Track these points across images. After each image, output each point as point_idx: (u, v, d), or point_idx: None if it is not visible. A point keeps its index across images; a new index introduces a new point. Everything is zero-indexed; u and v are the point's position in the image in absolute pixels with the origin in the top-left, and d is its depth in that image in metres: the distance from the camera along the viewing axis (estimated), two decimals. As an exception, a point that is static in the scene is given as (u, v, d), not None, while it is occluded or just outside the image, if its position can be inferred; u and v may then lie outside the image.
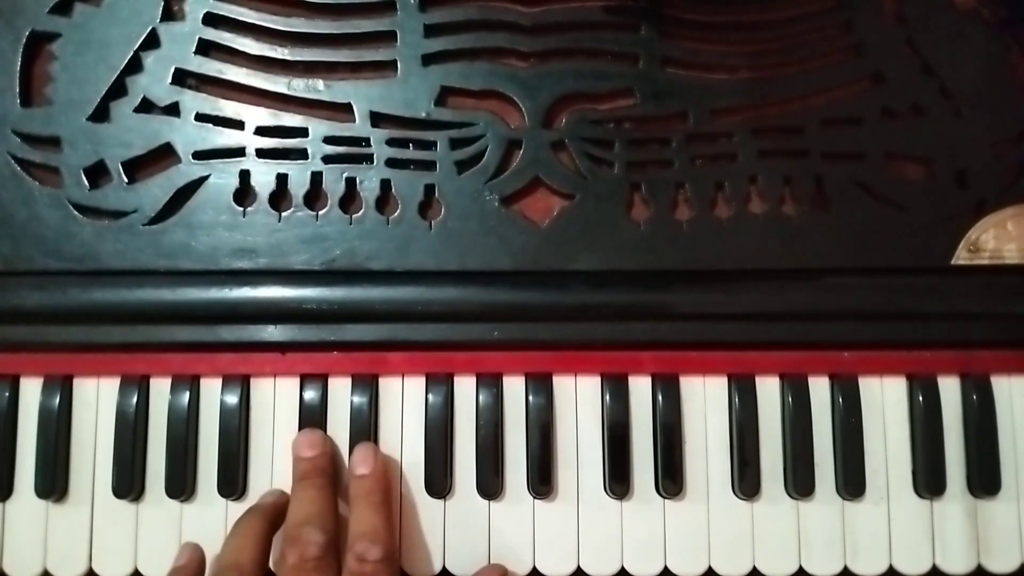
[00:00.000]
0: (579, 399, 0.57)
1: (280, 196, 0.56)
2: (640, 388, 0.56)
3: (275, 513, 0.53)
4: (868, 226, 0.56)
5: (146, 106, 0.56)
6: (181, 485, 0.55)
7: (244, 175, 0.56)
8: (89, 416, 0.56)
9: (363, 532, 0.50)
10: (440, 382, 0.56)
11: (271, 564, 0.51)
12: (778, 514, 0.56)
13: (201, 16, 0.57)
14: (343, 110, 0.57)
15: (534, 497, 0.56)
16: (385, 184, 0.56)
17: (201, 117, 0.56)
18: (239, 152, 0.56)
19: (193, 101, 0.56)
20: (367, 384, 0.56)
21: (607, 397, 0.56)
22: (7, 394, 0.56)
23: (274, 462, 0.56)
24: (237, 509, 0.55)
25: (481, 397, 0.56)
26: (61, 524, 0.55)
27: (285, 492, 0.55)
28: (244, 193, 0.56)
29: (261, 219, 0.56)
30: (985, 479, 0.56)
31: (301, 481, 0.53)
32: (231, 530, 0.52)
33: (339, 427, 0.56)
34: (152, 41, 0.56)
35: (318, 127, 0.56)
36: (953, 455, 0.56)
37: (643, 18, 0.57)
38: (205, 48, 0.57)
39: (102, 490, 0.55)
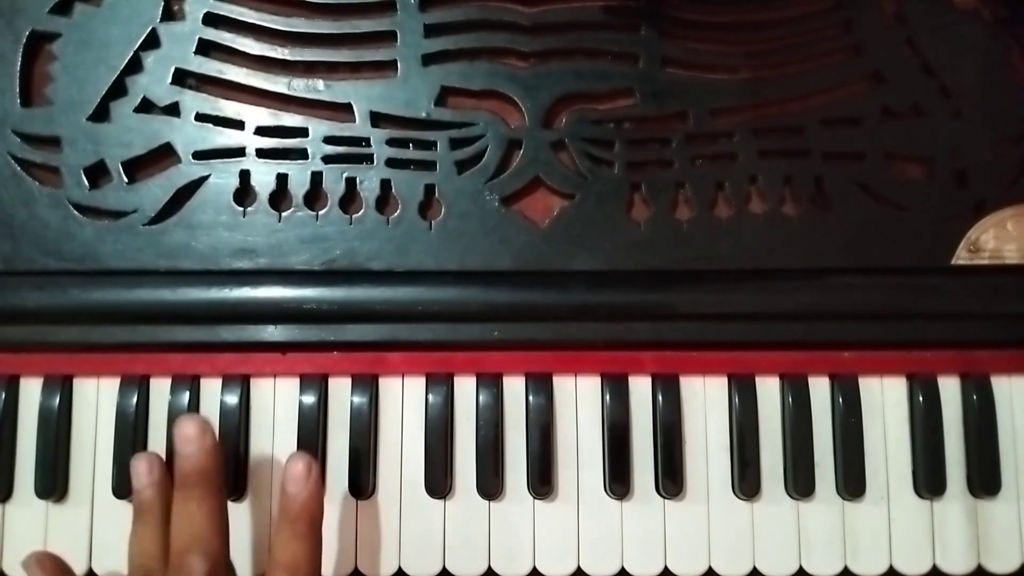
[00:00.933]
0: (579, 399, 0.57)
1: (280, 196, 0.56)
2: (640, 388, 0.56)
3: (166, 506, 0.50)
4: (868, 226, 0.56)
5: (146, 106, 0.56)
6: (181, 485, 0.55)
7: (244, 175, 0.56)
8: (89, 416, 0.56)
9: (283, 564, 0.48)
10: (440, 382, 0.56)
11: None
12: (778, 514, 0.56)
13: (201, 16, 0.57)
14: (343, 110, 0.57)
15: (534, 497, 0.56)
16: (385, 184, 0.56)
17: (201, 117, 0.56)
18: (239, 152, 0.56)
19: (193, 101, 0.56)
20: (367, 384, 0.56)
21: (607, 397, 0.56)
22: (7, 394, 0.56)
23: (274, 462, 0.56)
24: (237, 509, 0.55)
25: (481, 397, 0.56)
26: (61, 524, 0.55)
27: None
28: (244, 193, 0.56)
29: (261, 219, 0.56)
30: (985, 479, 0.56)
31: (179, 490, 0.49)
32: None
33: (339, 427, 0.56)
34: (152, 41, 0.56)
35: (318, 127, 0.56)
36: (953, 455, 0.57)
37: (643, 18, 0.57)
38: (205, 48, 0.57)
39: (102, 490, 0.55)
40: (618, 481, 0.55)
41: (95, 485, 0.56)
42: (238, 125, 0.56)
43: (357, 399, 0.56)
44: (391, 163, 0.56)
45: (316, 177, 0.56)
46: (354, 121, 0.57)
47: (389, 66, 0.57)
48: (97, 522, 0.55)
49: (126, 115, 0.56)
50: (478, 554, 0.55)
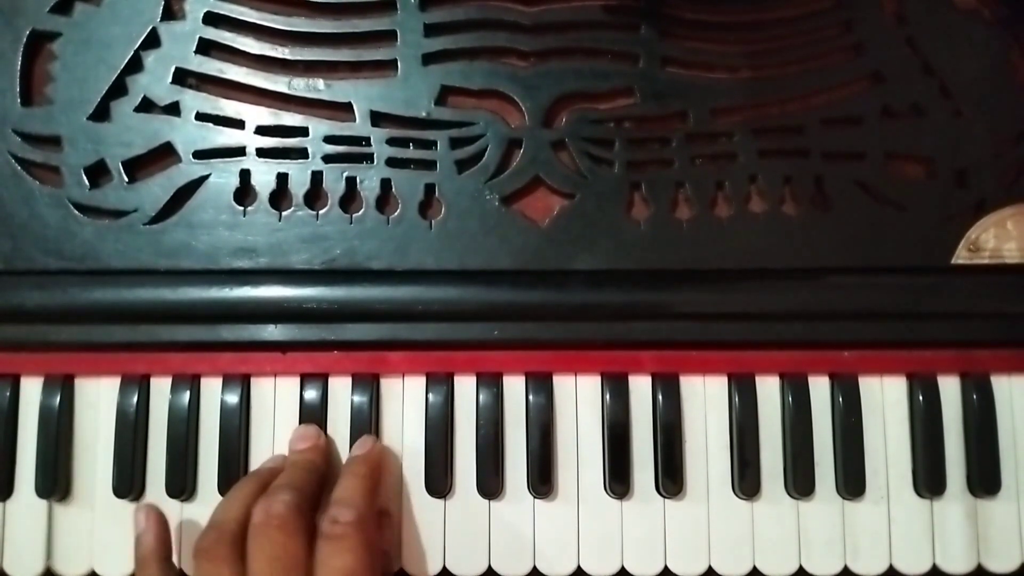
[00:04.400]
0: (579, 399, 0.57)
1: (280, 195, 0.56)
2: (640, 388, 0.56)
3: (272, 478, 0.52)
4: (868, 226, 0.57)
5: (146, 105, 0.56)
6: (181, 485, 0.55)
7: (244, 174, 0.56)
8: (90, 416, 0.56)
9: (339, 498, 0.50)
10: (440, 382, 0.56)
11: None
12: (778, 514, 0.56)
13: (201, 15, 0.57)
14: (343, 109, 0.57)
15: (534, 497, 0.56)
16: (385, 183, 0.56)
17: (201, 116, 0.56)
18: (239, 151, 0.56)
19: (193, 100, 0.56)
20: (367, 384, 0.56)
21: (607, 397, 0.56)
22: (8, 394, 0.56)
23: (274, 461, 0.56)
24: (237, 508, 0.55)
25: (481, 397, 0.56)
26: (62, 524, 0.55)
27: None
28: (244, 192, 0.56)
29: (261, 218, 0.56)
30: (985, 479, 0.56)
31: (290, 465, 0.53)
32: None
33: (339, 427, 0.56)
34: (152, 40, 0.56)
35: (318, 126, 0.56)
36: (953, 455, 0.57)
37: (643, 18, 0.57)
38: (205, 47, 0.57)
39: (103, 490, 0.55)
40: (618, 480, 0.55)
41: (96, 485, 0.56)
42: (238, 124, 0.56)
43: (357, 398, 0.56)
44: (391, 162, 0.56)
45: (316, 176, 0.56)
46: (354, 120, 0.57)
47: (389, 65, 0.57)
48: (98, 521, 0.55)
49: (126, 114, 0.56)
50: (478, 554, 0.55)
